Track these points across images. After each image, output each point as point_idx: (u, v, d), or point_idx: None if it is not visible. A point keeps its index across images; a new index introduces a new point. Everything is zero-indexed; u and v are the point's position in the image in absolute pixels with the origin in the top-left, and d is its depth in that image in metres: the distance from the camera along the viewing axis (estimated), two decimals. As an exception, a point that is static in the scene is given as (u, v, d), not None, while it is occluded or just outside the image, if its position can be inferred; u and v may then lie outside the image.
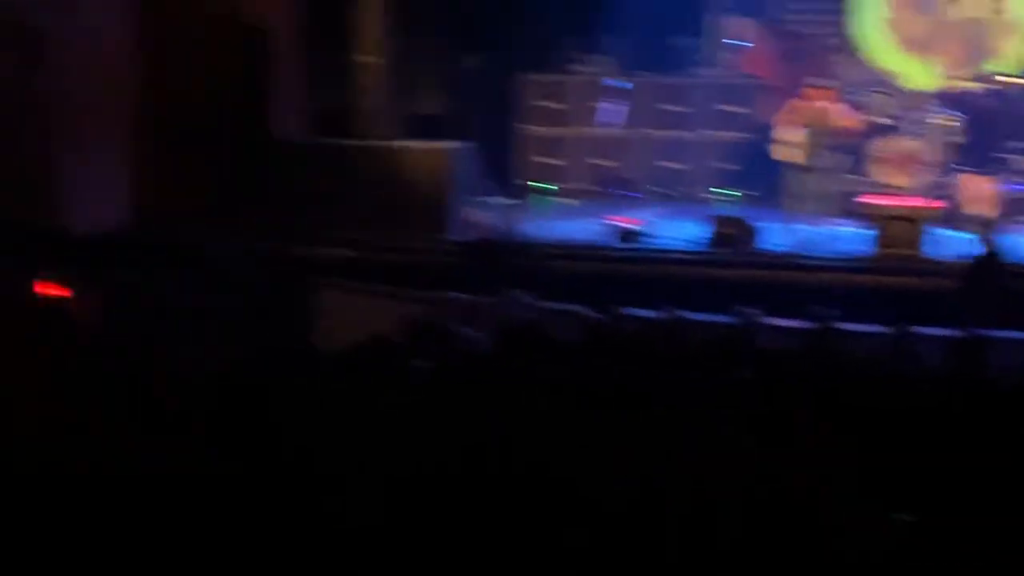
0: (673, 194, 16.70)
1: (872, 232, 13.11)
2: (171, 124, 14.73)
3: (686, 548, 4.88)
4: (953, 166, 14.76)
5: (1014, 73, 15.73)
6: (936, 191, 14.57)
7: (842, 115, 13.82)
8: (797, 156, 13.84)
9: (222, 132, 14.86)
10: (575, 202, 16.54)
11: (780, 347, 9.18)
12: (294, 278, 13.17)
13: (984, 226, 13.35)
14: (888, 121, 15.45)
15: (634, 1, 15.94)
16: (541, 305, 10.58)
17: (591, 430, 5.98)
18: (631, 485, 5.20)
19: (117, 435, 5.52)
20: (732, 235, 13.37)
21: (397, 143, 15.01)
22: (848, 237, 13.64)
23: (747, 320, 9.34)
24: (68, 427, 5.66)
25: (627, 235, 13.79)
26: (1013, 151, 14.69)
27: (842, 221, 14.05)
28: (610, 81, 16.19)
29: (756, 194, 15.92)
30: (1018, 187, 14.52)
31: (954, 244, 13.23)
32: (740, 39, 17.25)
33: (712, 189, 16.60)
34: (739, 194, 16.21)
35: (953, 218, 13.80)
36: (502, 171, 16.59)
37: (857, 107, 15.41)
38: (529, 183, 16.55)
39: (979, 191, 14.13)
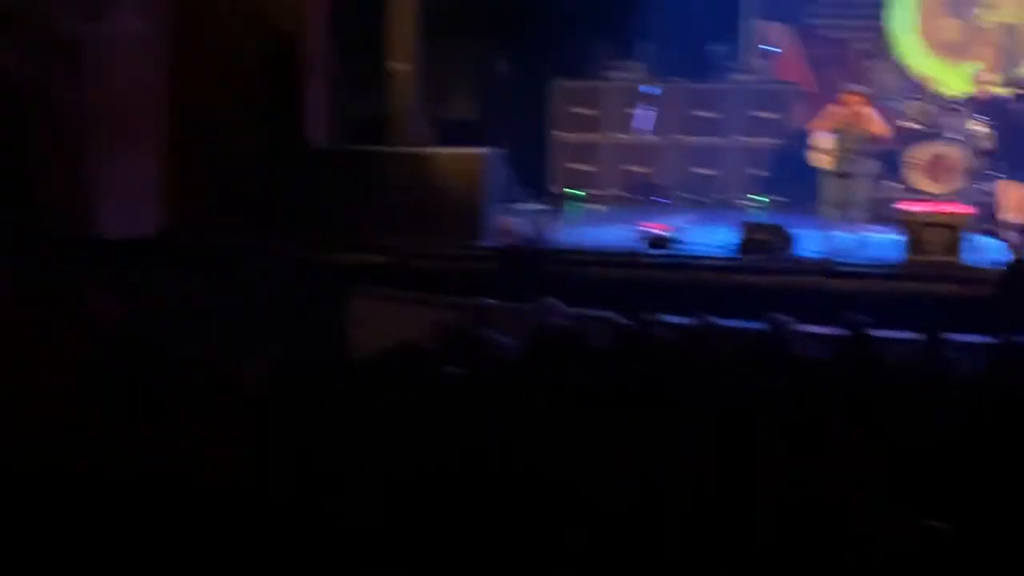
0: (705, 200, 16.66)
1: (906, 238, 13.04)
2: (203, 131, 14.78)
3: (715, 551, 4.87)
4: (988, 172, 14.68)
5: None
6: (970, 197, 14.49)
7: (876, 121, 13.75)
8: (832, 162, 13.78)
9: (254, 139, 14.89)
10: (604, 208, 16.51)
11: (813, 354, 9.14)
12: (326, 285, 13.19)
13: (1017, 232, 13.27)
14: (922, 127, 15.39)
15: (667, 7, 15.91)
16: (573, 312, 10.56)
17: (621, 436, 5.97)
18: (662, 489, 5.19)
19: (148, 438, 5.54)
20: (765, 241, 13.32)
21: (429, 149, 15.01)
22: (883, 243, 13.58)
23: (780, 327, 9.31)
24: (100, 430, 5.68)
25: (656, 241, 13.76)
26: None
27: (877, 227, 13.98)
28: (643, 87, 16.16)
29: (790, 200, 15.88)
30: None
31: (989, 250, 13.16)
32: (773, 45, 17.21)
33: (745, 195, 16.56)
34: (774, 200, 16.16)
35: (987, 224, 13.72)
36: (534, 177, 16.58)
37: (891, 113, 15.35)
38: (563, 190, 16.52)
39: (1014, 197, 14.04)
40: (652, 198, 16.63)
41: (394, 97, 15.06)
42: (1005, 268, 12.28)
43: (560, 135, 17.24)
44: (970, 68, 16.07)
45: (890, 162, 15.21)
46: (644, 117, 15.81)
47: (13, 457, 5.33)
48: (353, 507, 5.11)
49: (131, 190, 14.34)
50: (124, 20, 14.13)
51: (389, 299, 12.92)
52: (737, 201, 16.50)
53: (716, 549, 4.88)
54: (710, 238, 14.07)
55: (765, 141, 16.64)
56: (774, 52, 17.19)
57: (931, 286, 12.44)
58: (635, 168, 17.03)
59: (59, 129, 13.75)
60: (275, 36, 15.25)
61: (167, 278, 11.96)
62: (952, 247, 12.93)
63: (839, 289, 12.40)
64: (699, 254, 13.60)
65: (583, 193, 16.55)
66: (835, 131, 13.74)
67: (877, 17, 16.72)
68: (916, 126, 15.42)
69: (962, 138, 15.04)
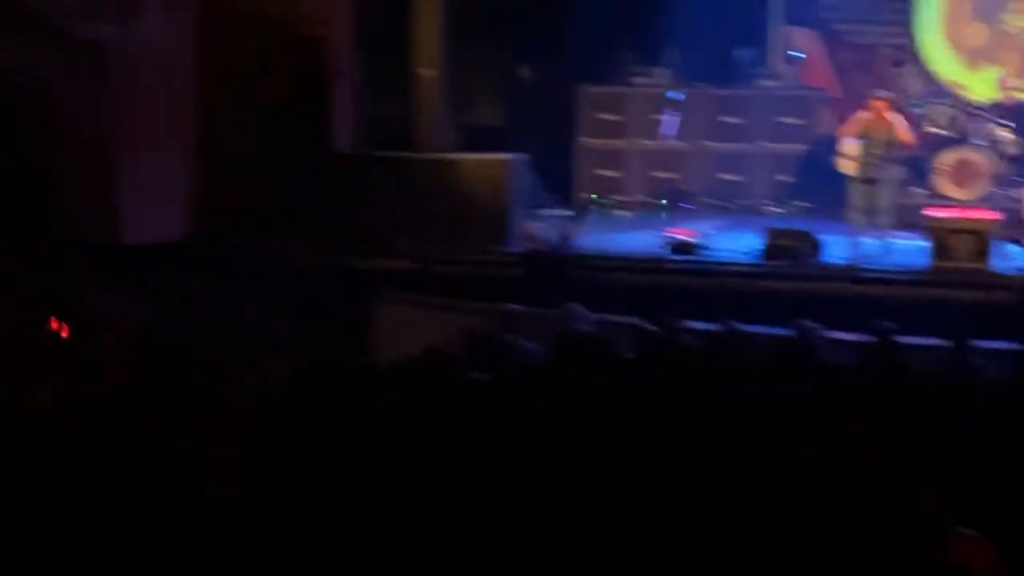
0: (731, 207, 16.64)
1: (932, 245, 13.00)
2: (228, 135, 14.82)
3: (740, 557, 4.87)
4: (1014, 178, 14.64)
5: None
6: (996, 203, 14.45)
7: (902, 127, 13.72)
8: (858, 168, 13.74)
9: (279, 144, 14.93)
10: (629, 214, 16.51)
11: (839, 361, 9.13)
12: (351, 290, 13.22)
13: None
14: (948, 133, 15.35)
15: (693, 12, 15.89)
16: (598, 318, 10.56)
17: (646, 441, 5.98)
18: (687, 495, 5.19)
19: (172, 440, 5.57)
20: (790, 247, 13.29)
21: (455, 155, 15.02)
22: (909, 250, 13.55)
23: (806, 333, 9.29)
24: (126, 432, 5.71)
25: (681, 247, 13.75)
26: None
27: (903, 234, 13.95)
28: (670, 94, 16.16)
29: (817, 206, 15.86)
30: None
31: (1016, 257, 13.11)
32: (800, 51, 17.19)
33: (771, 201, 16.54)
34: (803, 206, 16.15)
35: (1013, 230, 13.66)
36: (560, 183, 16.58)
37: (918, 119, 15.32)
38: (592, 196, 16.51)
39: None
40: (679, 204, 16.61)
41: (420, 102, 15.07)
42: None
43: (586, 141, 17.24)
44: (996, 73, 16.02)
45: (916, 168, 15.18)
46: (669, 123, 15.81)
47: (30, 457, 5.36)
48: (376, 510, 5.13)
49: (156, 195, 14.39)
50: (149, 24, 14.18)
51: (414, 305, 12.94)
52: (763, 207, 16.48)
53: (741, 555, 4.87)
54: (736, 244, 14.06)
55: (791, 147, 16.62)
56: (800, 58, 17.16)
57: (957, 293, 12.41)
58: (661, 174, 17.02)
59: (83, 133, 13.80)
60: (301, 41, 15.29)
61: (192, 283, 12.00)
62: (979, 253, 12.88)
63: (865, 295, 12.38)
64: (724, 260, 13.59)
65: (610, 199, 16.53)
66: (861, 137, 13.71)
67: (904, 23, 16.68)
68: (942, 132, 15.39)
69: (988, 144, 14.99)
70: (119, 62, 13.95)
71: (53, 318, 9.18)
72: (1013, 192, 14.49)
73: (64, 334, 8.88)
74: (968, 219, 13.35)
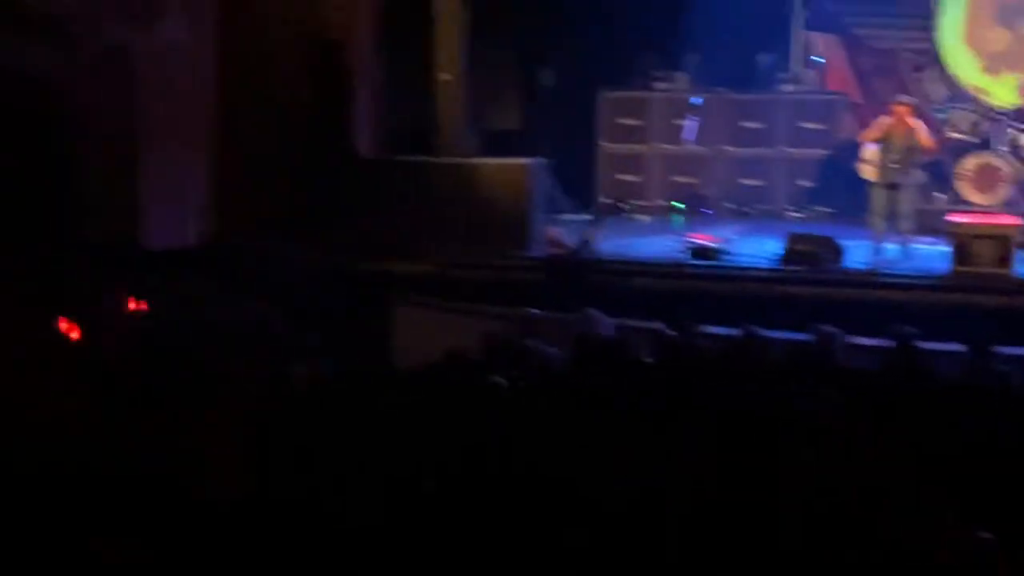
0: (751, 212, 16.62)
1: (953, 250, 12.97)
2: (250, 140, 14.85)
3: (760, 559, 4.87)
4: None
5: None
6: (1019, 208, 14.41)
7: (923, 132, 13.68)
8: (880, 173, 13.71)
9: (300, 148, 14.96)
10: (648, 218, 16.51)
11: (860, 366, 9.12)
12: (372, 294, 13.24)
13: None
14: (970, 138, 15.32)
15: (715, 17, 15.89)
16: (618, 322, 10.56)
17: (665, 445, 5.98)
18: (693, 494, 5.19)
19: (178, 441, 5.58)
20: (810, 252, 13.27)
21: (475, 160, 15.03)
22: (930, 255, 13.52)
23: (826, 338, 9.28)
24: (131, 433, 5.73)
25: (700, 252, 13.74)
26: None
27: (925, 239, 13.92)
28: (691, 99, 16.16)
29: (837, 212, 15.85)
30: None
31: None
32: (821, 56, 17.16)
33: (792, 206, 16.53)
34: (823, 211, 16.14)
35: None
36: (580, 188, 16.59)
37: (939, 124, 15.28)
38: (672, 203, 16.44)
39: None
40: (699, 208, 16.60)
41: (441, 107, 15.08)
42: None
43: (606, 145, 17.24)
44: (1018, 79, 15.98)
45: (938, 173, 15.14)
46: (690, 128, 15.80)
47: (36, 456, 5.38)
48: (389, 511, 5.14)
49: (177, 199, 14.44)
50: (172, 28, 14.23)
51: (435, 309, 12.95)
52: (784, 212, 16.46)
53: (741, 555, 4.88)
54: (757, 249, 14.04)
55: (812, 152, 16.59)
56: (820, 63, 17.14)
57: (979, 298, 12.36)
58: (681, 179, 17.01)
59: (106, 137, 13.85)
60: (322, 45, 15.33)
61: (212, 287, 12.03)
62: (1001, 259, 12.84)
63: (886, 300, 12.35)
64: (744, 265, 13.57)
65: (683, 205, 16.49)
66: (882, 142, 13.69)
67: (925, 28, 16.63)
68: (964, 137, 15.35)
69: (1010, 149, 14.95)
70: (142, 66, 14.00)
71: (62, 319, 9.20)
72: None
73: (74, 336, 8.90)
74: (990, 224, 13.31)
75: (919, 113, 14.30)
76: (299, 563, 4.80)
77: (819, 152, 16.55)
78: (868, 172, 13.97)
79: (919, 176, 14.11)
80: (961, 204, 14.80)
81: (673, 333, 9.67)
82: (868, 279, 12.96)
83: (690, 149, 16.45)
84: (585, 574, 4.82)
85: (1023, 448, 6.37)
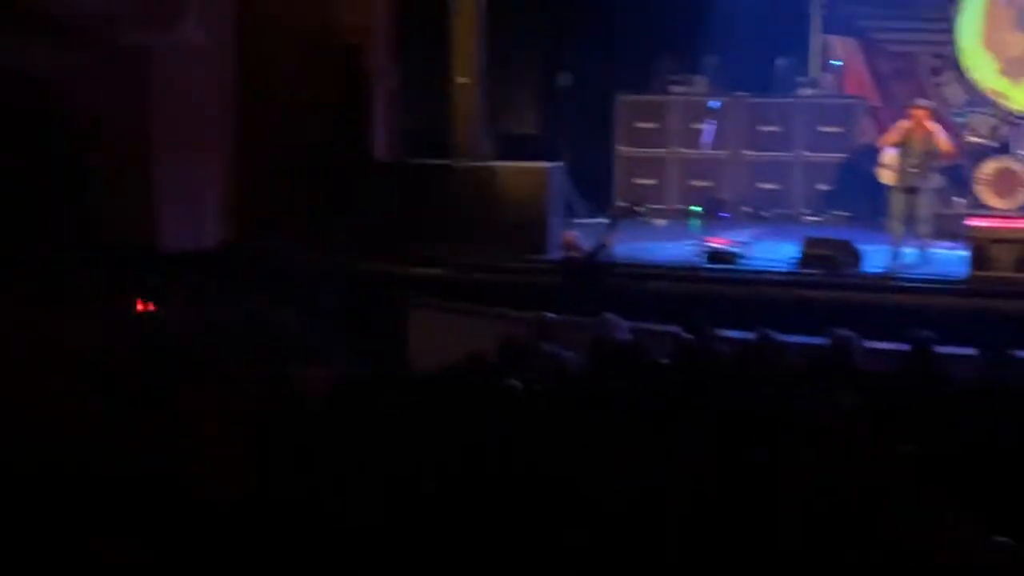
0: (768, 215, 16.60)
1: (971, 254, 12.93)
2: (267, 143, 14.88)
3: (773, 562, 4.85)
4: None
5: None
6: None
7: (941, 136, 13.65)
8: (899, 177, 13.68)
9: (319, 151, 14.99)
10: (665, 222, 16.50)
11: (877, 370, 9.09)
12: (389, 297, 13.25)
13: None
14: (989, 142, 15.27)
15: (733, 21, 15.87)
16: (634, 326, 10.55)
17: (681, 449, 5.97)
18: (722, 501, 5.18)
19: (201, 445, 5.59)
20: (827, 256, 13.24)
21: (493, 163, 15.03)
22: (948, 259, 13.48)
23: (843, 342, 9.25)
24: (133, 433, 5.74)
25: (718, 256, 13.72)
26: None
27: (944, 243, 13.89)
28: (710, 103, 16.15)
29: (855, 216, 15.83)
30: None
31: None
32: (839, 59, 17.13)
33: (809, 210, 16.50)
34: (841, 215, 16.11)
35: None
36: (597, 191, 16.60)
37: (958, 128, 15.25)
38: (690, 207, 16.44)
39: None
40: (717, 212, 16.59)
41: (458, 110, 15.09)
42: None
43: (623, 149, 17.24)
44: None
45: (957, 178, 15.11)
46: (707, 132, 15.78)
47: (49, 457, 5.39)
48: (409, 512, 5.13)
49: (193, 201, 14.47)
50: (189, 31, 14.26)
51: (451, 312, 12.95)
52: (802, 216, 16.44)
53: (742, 555, 4.87)
54: (774, 253, 14.02)
55: (830, 156, 16.56)
56: (838, 66, 17.12)
57: (997, 302, 12.32)
58: (698, 183, 17.00)
59: (122, 139, 13.88)
60: (340, 49, 15.35)
61: (228, 290, 12.05)
62: (1019, 263, 12.80)
63: (903, 305, 12.31)
64: (761, 268, 13.55)
65: (700, 208, 16.47)
66: (901, 146, 13.65)
67: (944, 31, 16.58)
68: (983, 141, 15.31)
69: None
70: (158, 68, 14.03)
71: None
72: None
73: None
74: (1009, 228, 13.27)
75: (938, 117, 14.27)
76: (304, 564, 4.80)
77: (837, 156, 16.52)
78: (887, 176, 13.94)
79: (937, 180, 14.08)
80: (980, 208, 14.75)
81: (689, 337, 9.66)
82: (885, 283, 12.93)
83: (707, 153, 16.43)
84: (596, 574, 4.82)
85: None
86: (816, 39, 17.15)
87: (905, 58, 16.96)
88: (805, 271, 13.20)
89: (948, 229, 14.12)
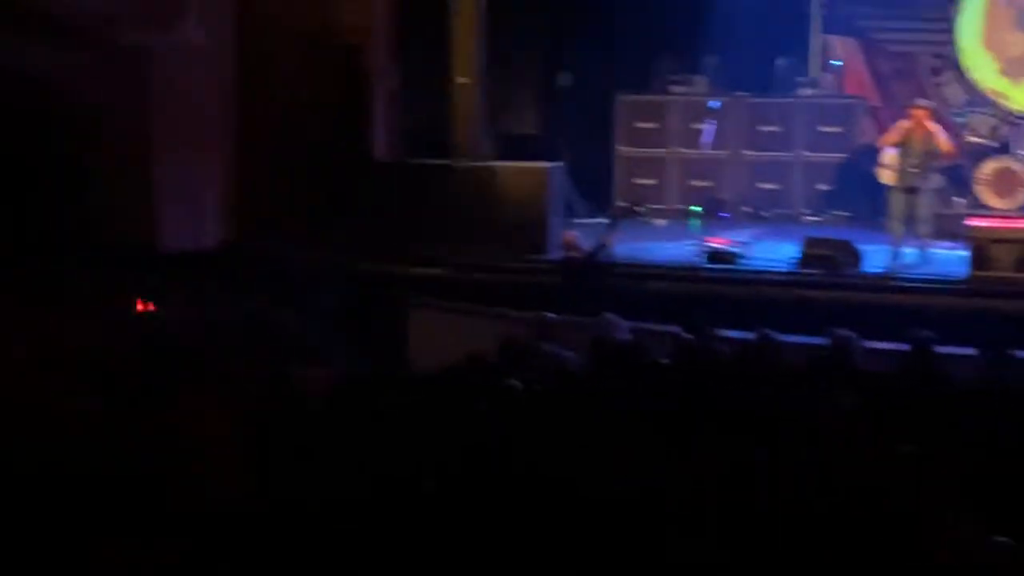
0: (767, 215, 16.60)
1: (971, 254, 12.92)
2: (267, 143, 14.89)
3: (774, 562, 4.86)
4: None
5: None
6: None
7: (941, 136, 13.64)
8: (899, 177, 13.68)
9: (319, 151, 14.99)
10: (665, 222, 16.50)
11: (876, 370, 9.09)
12: (389, 298, 13.25)
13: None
14: (988, 142, 15.27)
15: (733, 21, 15.87)
16: (634, 326, 10.55)
17: (681, 449, 5.97)
18: (723, 501, 5.19)
19: (200, 446, 5.59)
20: (826, 256, 13.24)
21: (493, 163, 15.03)
22: (949, 259, 13.48)
23: (843, 342, 9.25)
24: (152, 435, 5.75)
25: (718, 256, 13.73)
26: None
27: (944, 243, 13.88)
28: (711, 103, 16.14)
29: (855, 216, 15.83)
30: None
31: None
32: (839, 59, 17.13)
33: (809, 210, 16.51)
34: (841, 215, 16.12)
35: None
36: (597, 191, 16.60)
37: (958, 128, 15.25)
38: (690, 208, 16.44)
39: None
40: (717, 212, 16.59)
41: (458, 110, 15.08)
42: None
43: (623, 149, 17.24)
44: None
45: (957, 178, 15.11)
46: (707, 131, 15.79)
47: (51, 457, 5.40)
48: (419, 515, 5.14)
49: (193, 201, 14.47)
50: (188, 31, 14.27)
51: (451, 312, 12.95)
52: (802, 216, 16.44)
53: (774, 560, 4.87)
54: (774, 253, 14.03)
55: (830, 156, 16.55)
56: (838, 66, 17.12)
57: (997, 302, 12.32)
58: (698, 183, 17.00)
59: (122, 139, 13.88)
60: (339, 49, 15.34)
61: (228, 290, 12.05)
62: (1019, 263, 12.79)
63: (903, 305, 12.31)
64: (761, 268, 13.56)
65: (700, 208, 16.47)
66: (901, 146, 13.65)
67: (944, 31, 16.57)
68: (983, 141, 15.31)
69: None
70: (160, 69, 14.04)
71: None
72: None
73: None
74: (1009, 228, 13.27)
75: (937, 117, 14.27)
76: (304, 564, 4.81)
77: (837, 156, 16.52)
78: (887, 176, 13.94)
79: (937, 180, 14.08)
80: (980, 208, 14.75)
81: (689, 337, 9.66)
82: (885, 283, 12.93)
83: (707, 153, 16.43)
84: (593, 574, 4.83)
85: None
86: (816, 39, 17.15)
87: (905, 58, 16.96)
88: (805, 271, 13.20)
89: (948, 229, 14.12)
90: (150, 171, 14.01)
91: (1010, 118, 15.58)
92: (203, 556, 4.66)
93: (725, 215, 16.59)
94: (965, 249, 13.09)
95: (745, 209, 16.75)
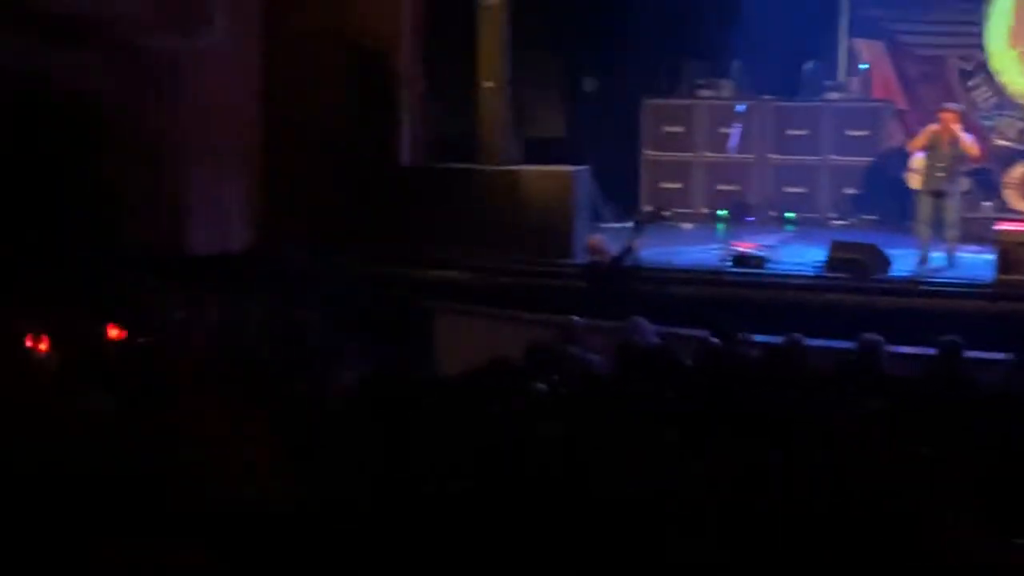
0: (793, 219, 16.56)
1: (997, 258, 12.86)
2: (293, 147, 14.93)
3: (799, 567, 4.85)
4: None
5: None
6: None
7: (968, 140, 13.59)
8: (926, 181, 13.63)
9: (345, 156, 15.03)
10: (692, 226, 16.47)
11: (903, 374, 9.08)
12: (415, 301, 13.27)
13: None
14: (1018, 146, 15.22)
15: (760, 25, 15.83)
16: (661, 330, 10.55)
17: (707, 454, 5.97)
18: (749, 507, 5.18)
19: (238, 449, 5.61)
20: (853, 260, 13.20)
21: (518, 167, 15.05)
22: (976, 263, 13.43)
23: (869, 346, 9.24)
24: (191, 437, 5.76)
25: (745, 260, 13.70)
26: None
27: (971, 247, 13.83)
28: (738, 107, 16.12)
29: (883, 219, 15.79)
30: None
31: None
32: (867, 63, 17.08)
33: (836, 214, 16.46)
34: (868, 219, 16.07)
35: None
36: (623, 195, 16.59)
37: (986, 131, 15.20)
38: (717, 213, 16.43)
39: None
40: (744, 216, 16.56)
41: (484, 115, 15.10)
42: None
43: (650, 153, 17.23)
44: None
45: (985, 181, 15.05)
46: (734, 135, 15.78)
47: (79, 458, 5.42)
48: (444, 521, 5.14)
49: (220, 206, 14.52)
50: (216, 36, 14.32)
51: (477, 316, 12.97)
52: (829, 220, 16.40)
53: (781, 561, 4.86)
54: (801, 257, 14.00)
55: (858, 159, 16.50)
56: (865, 70, 17.06)
57: (1023, 306, 12.27)
58: (725, 187, 16.97)
59: (150, 144, 13.94)
60: (365, 53, 15.37)
61: (254, 295, 12.08)
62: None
63: (930, 308, 12.27)
64: (787, 272, 13.53)
65: (726, 212, 16.46)
66: (928, 149, 13.60)
67: (973, 35, 16.51)
68: (1011, 145, 15.26)
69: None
70: (186, 73, 14.09)
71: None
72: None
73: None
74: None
75: (966, 120, 14.21)
76: (323, 565, 4.82)
77: (864, 160, 16.47)
78: (915, 181, 13.90)
79: (965, 184, 14.03)
80: (1007, 212, 14.70)
81: (716, 341, 9.65)
82: (912, 287, 12.89)
83: (734, 157, 16.40)
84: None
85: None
86: (843, 43, 17.11)
87: (933, 61, 16.89)
88: (832, 275, 13.17)
89: (975, 233, 14.06)
90: (177, 176, 14.07)
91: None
92: (221, 558, 4.67)
93: (751, 219, 16.55)
94: (992, 253, 13.04)
95: (772, 213, 16.71)
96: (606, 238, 14.29)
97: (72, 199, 13.09)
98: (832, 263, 13.29)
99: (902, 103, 16.93)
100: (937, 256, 13.50)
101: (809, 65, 16.94)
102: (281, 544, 4.87)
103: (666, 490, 5.28)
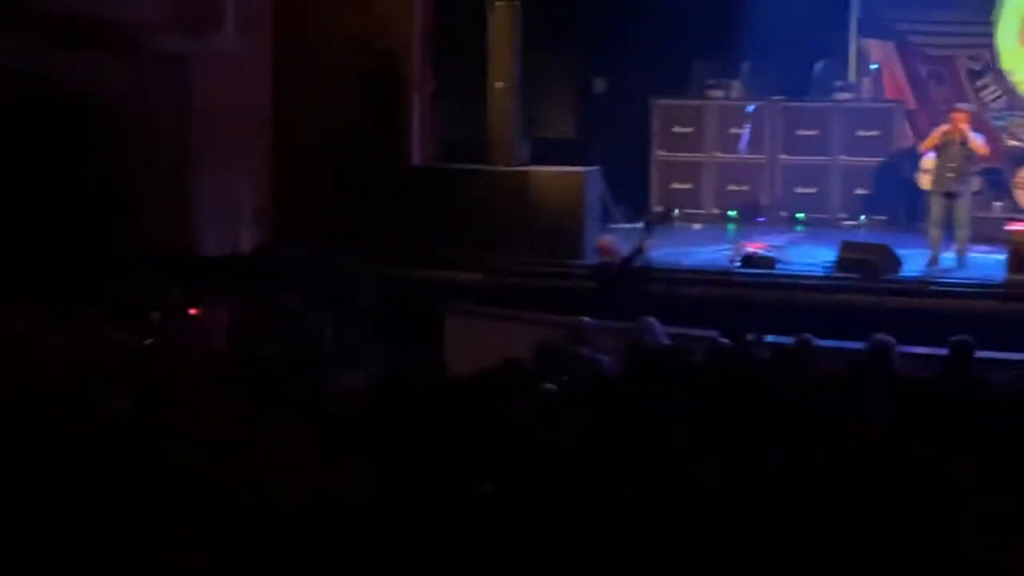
0: (803, 219, 16.54)
1: (1008, 258, 12.85)
2: (304, 148, 14.95)
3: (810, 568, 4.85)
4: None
5: None
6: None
7: (979, 140, 13.57)
8: (937, 181, 13.60)
9: (356, 156, 15.04)
10: (702, 227, 16.46)
11: (914, 374, 9.07)
12: (426, 302, 13.27)
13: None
14: (1029, 146, 15.22)
15: (770, 25, 15.81)
16: (673, 330, 10.55)
17: (719, 454, 5.97)
18: (759, 506, 5.18)
19: (246, 449, 5.62)
20: (863, 260, 13.18)
21: (528, 168, 15.05)
22: (987, 263, 13.41)
23: (880, 346, 9.23)
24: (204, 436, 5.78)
25: (755, 260, 13.69)
26: None
27: (982, 247, 13.81)
28: (748, 107, 16.11)
29: (893, 220, 15.77)
30: None
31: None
32: (878, 63, 17.06)
33: (847, 215, 16.44)
34: (879, 219, 16.05)
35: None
36: (634, 196, 16.58)
37: (998, 132, 15.17)
38: (727, 213, 16.43)
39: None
40: (754, 217, 16.55)
41: (494, 116, 15.10)
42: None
43: (660, 154, 17.22)
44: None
45: (995, 181, 15.03)
46: (745, 136, 15.76)
47: (103, 458, 5.44)
48: (456, 521, 5.15)
49: (231, 207, 14.54)
50: (227, 38, 14.34)
51: (487, 317, 12.97)
52: (839, 220, 16.38)
53: (784, 561, 4.86)
54: (811, 257, 13.99)
55: (868, 160, 16.48)
56: (875, 70, 17.04)
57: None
58: (735, 187, 16.95)
59: (162, 145, 13.97)
60: (375, 54, 15.38)
61: (267, 295, 12.09)
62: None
63: (941, 309, 12.26)
64: (797, 273, 13.52)
65: (736, 213, 16.45)
66: (939, 149, 13.58)
67: (983, 35, 16.48)
68: (1021, 145, 15.23)
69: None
70: (198, 75, 14.12)
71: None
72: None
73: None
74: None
75: (976, 120, 14.19)
76: (338, 565, 4.83)
77: (874, 160, 16.44)
78: (925, 181, 13.88)
79: (976, 184, 14.01)
80: (1019, 213, 14.67)
81: (726, 341, 9.65)
82: (923, 287, 12.87)
83: (744, 157, 16.39)
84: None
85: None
86: (853, 43, 17.08)
87: (943, 61, 16.86)
88: (842, 275, 13.16)
89: (986, 233, 14.04)
90: (189, 177, 14.09)
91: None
92: (221, 558, 4.68)
93: (761, 219, 16.54)
94: (1003, 253, 13.02)
95: (782, 213, 16.69)
96: (616, 239, 14.27)
97: (75, 199, 13.10)
98: (842, 263, 13.28)
99: (912, 103, 16.90)
100: (947, 256, 13.48)
101: (819, 65, 16.92)
102: (281, 544, 4.88)
103: (676, 490, 5.29)
